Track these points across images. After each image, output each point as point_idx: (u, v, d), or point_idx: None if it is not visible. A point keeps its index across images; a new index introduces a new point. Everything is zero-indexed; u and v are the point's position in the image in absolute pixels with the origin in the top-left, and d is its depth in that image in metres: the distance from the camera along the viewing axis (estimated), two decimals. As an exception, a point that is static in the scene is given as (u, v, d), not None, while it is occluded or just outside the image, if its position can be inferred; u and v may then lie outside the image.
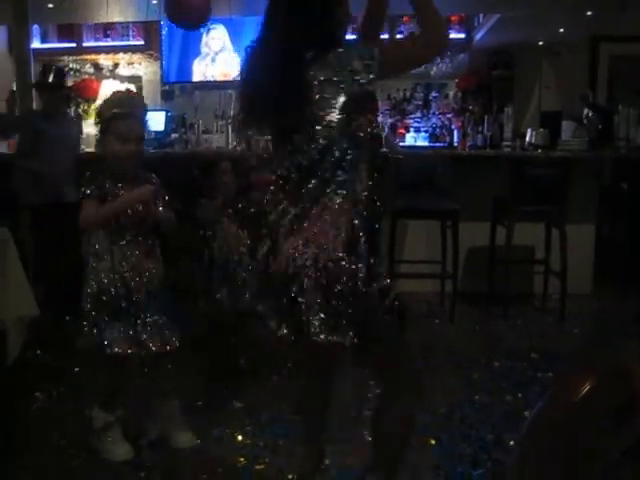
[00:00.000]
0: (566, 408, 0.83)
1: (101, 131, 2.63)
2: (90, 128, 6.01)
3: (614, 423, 0.86)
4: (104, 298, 2.61)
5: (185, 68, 7.07)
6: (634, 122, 5.69)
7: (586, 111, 5.44)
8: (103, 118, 2.61)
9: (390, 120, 6.97)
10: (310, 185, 1.89)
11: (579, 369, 1.01)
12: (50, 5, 5.40)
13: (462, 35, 6.69)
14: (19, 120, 4.73)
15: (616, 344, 3.33)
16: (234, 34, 6.92)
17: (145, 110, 2.72)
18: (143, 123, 2.71)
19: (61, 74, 4.47)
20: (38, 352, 3.79)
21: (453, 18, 6.63)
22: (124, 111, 2.58)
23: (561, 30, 6.30)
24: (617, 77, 7.27)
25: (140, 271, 2.66)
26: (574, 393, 0.88)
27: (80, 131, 5.25)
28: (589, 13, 5.66)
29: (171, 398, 2.85)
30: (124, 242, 2.64)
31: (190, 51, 7.06)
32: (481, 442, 2.89)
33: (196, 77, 7.00)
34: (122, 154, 2.59)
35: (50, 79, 4.34)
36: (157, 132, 5.79)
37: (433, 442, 2.91)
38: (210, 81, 7.06)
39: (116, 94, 2.72)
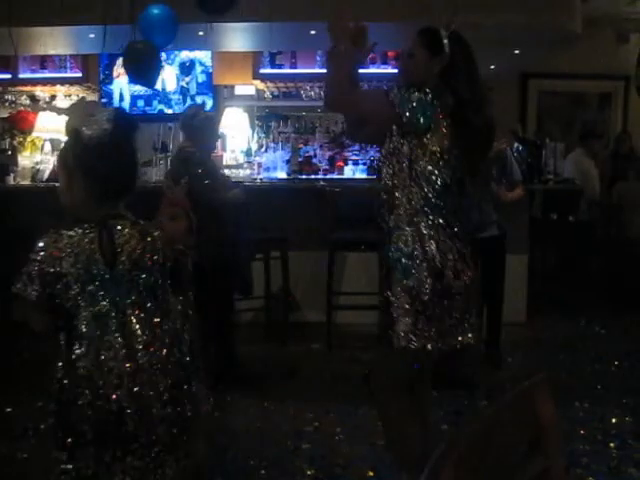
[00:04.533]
0: (475, 441, 0.87)
1: None
2: (26, 161, 5.93)
3: (524, 456, 0.90)
4: None
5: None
6: (561, 155, 5.94)
7: (516, 145, 5.63)
8: None
9: (329, 153, 7.07)
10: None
11: (495, 403, 1.05)
12: (-16, 37, 5.32)
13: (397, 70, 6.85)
14: None
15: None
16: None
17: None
18: None
19: None
20: None
21: (390, 54, 6.82)
22: None
23: (492, 67, 6.54)
24: (545, 112, 7.59)
25: None
26: (483, 425, 0.92)
27: None
28: (517, 52, 5.91)
29: None
30: None
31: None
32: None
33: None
34: None
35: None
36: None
37: (371, 474, 2.94)
38: (150, 114, 7.05)
39: None
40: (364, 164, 6.99)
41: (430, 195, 2.36)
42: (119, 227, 1.89)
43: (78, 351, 1.83)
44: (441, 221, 2.38)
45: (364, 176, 6.84)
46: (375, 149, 7.03)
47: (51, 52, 6.08)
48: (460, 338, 2.43)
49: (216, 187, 3.97)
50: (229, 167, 6.43)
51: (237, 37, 5.74)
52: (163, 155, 6.43)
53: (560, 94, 7.61)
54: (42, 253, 1.84)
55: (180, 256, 1.97)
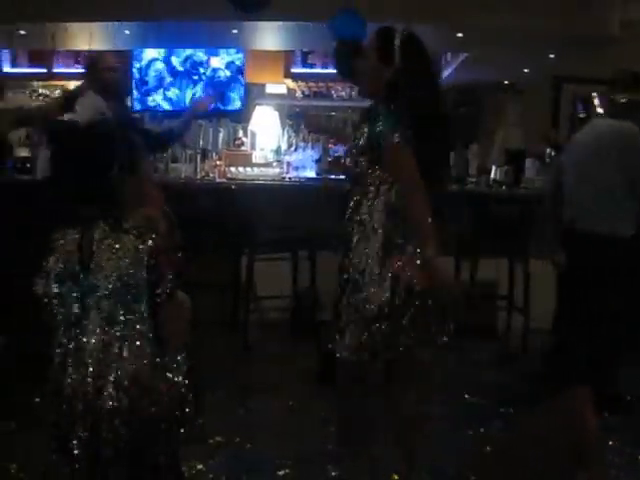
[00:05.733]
0: (521, 448, 0.86)
1: None
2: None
3: (567, 464, 0.89)
4: None
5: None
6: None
7: (549, 150, 5.57)
8: None
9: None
10: None
11: (537, 411, 1.04)
12: (22, 32, 5.40)
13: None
14: None
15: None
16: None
17: None
18: None
19: None
20: None
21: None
22: None
23: (525, 70, 6.48)
24: (579, 116, 7.47)
25: None
26: (530, 434, 0.91)
27: None
28: (552, 56, 5.84)
29: None
30: None
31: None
32: (443, 476, 2.91)
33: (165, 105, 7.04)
34: None
35: None
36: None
37: (396, 477, 2.92)
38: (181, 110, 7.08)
39: None
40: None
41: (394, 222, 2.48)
42: (102, 231, 1.86)
43: (58, 351, 1.88)
44: (399, 241, 2.48)
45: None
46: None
47: (86, 48, 6.13)
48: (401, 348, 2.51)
49: None
50: (258, 165, 6.44)
51: (269, 36, 5.76)
52: (192, 151, 6.45)
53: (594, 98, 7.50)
54: (49, 249, 1.89)
55: (167, 267, 1.88)
